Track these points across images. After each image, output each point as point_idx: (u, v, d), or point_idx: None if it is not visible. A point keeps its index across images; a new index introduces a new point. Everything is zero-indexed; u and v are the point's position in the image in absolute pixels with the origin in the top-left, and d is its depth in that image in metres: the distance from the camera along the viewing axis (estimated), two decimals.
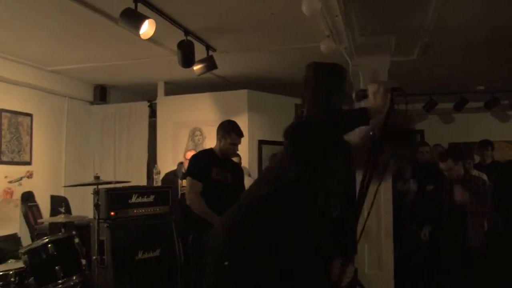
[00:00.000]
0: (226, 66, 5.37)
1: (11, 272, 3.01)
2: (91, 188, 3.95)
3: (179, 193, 5.16)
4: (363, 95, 1.87)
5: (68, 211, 4.62)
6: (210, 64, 4.77)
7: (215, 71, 5.13)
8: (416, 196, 5.22)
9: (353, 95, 1.97)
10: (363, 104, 1.84)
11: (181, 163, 5.49)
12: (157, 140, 6.54)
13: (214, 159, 3.66)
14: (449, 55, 5.42)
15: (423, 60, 5.28)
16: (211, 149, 3.79)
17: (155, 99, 6.68)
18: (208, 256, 1.94)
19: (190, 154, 5.27)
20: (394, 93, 1.83)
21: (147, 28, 3.65)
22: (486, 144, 5.71)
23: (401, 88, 1.84)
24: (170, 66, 5.37)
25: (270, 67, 5.85)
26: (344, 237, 1.95)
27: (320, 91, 3.55)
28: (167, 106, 6.53)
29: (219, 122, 3.80)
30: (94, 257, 3.62)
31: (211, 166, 3.60)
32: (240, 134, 3.66)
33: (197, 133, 6.29)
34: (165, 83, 6.63)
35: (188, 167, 3.84)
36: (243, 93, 6.18)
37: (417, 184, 5.26)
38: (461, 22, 4.29)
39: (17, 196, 5.43)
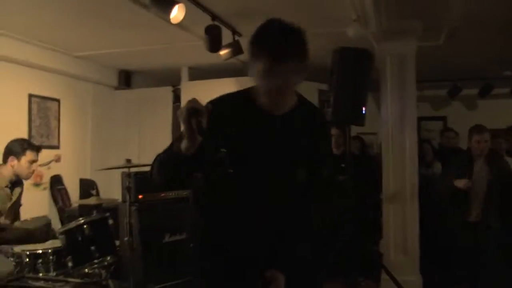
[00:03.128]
0: None
1: (49, 251, 3.07)
2: (117, 171, 4.00)
3: None
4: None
5: (97, 194, 4.72)
6: (236, 49, 4.77)
7: (239, 56, 5.14)
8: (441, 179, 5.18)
9: None
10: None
11: None
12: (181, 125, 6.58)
13: None
14: (476, 40, 5.33)
15: (450, 45, 5.21)
16: None
17: (179, 84, 6.66)
18: None
19: None
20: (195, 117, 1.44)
21: (176, 13, 3.67)
22: None
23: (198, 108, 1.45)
24: (194, 51, 5.35)
25: None
26: None
27: (347, 77, 3.57)
28: (191, 91, 6.41)
29: None
30: (125, 239, 3.71)
31: None
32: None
33: None
34: (189, 68, 6.61)
35: None
36: None
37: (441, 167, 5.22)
38: (490, 7, 4.22)
39: (46, 179, 5.55)
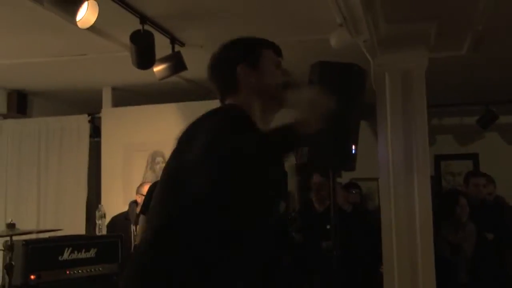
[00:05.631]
0: (198, 66, 5.32)
1: None
2: (2, 240, 3.90)
3: (132, 244, 5.16)
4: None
5: None
6: (176, 63, 4.78)
7: (183, 74, 5.15)
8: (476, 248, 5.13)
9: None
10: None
11: (134, 202, 5.48)
12: (102, 169, 6.50)
13: None
14: None
15: (476, 56, 5.32)
16: None
17: (99, 111, 6.70)
18: None
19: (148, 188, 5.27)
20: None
21: (86, 13, 3.66)
22: None
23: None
24: (120, 66, 5.40)
25: None
26: None
27: None
28: (116, 121, 6.50)
29: None
30: None
31: None
32: None
33: (159, 159, 6.25)
34: (113, 89, 6.70)
35: (144, 201, 3.84)
36: None
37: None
38: None
39: None
